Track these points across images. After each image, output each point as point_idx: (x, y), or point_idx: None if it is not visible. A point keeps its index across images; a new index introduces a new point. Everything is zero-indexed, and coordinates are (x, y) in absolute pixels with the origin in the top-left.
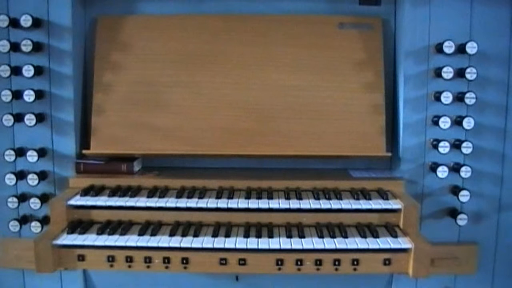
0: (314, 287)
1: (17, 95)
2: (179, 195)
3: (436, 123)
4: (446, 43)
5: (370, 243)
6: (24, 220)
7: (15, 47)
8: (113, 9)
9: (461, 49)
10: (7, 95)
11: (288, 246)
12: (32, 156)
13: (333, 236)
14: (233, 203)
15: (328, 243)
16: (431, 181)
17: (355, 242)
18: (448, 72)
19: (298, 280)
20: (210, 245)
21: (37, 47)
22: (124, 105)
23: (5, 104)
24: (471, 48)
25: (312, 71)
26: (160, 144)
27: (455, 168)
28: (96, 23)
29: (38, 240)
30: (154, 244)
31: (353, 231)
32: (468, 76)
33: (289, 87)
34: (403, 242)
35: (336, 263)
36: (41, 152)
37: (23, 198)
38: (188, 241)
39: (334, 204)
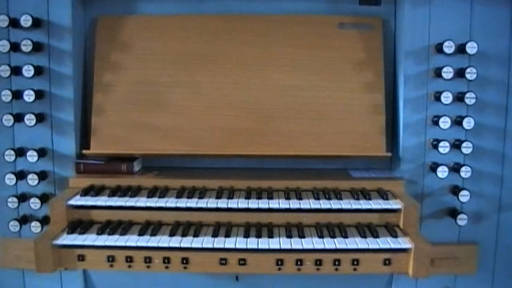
0: (314, 287)
1: (17, 95)
2: (179, 195)
3: (436, 123)
4: (446, 43)
5: (370, 243)
6: (24, 220)
7: (15, 47)
8: (113, 9)
9: (461, 49)
10: (7, 95)
11: (288, 246)
12: (32, 156)
13: (333, 236)
14: (233, 203)
15: (328, 243)
16: (431, 181)
17: (355, 242)
18: (448, 72)
19: (298, 280)
20: (210, 245)
21: (37, 47)
22: (124, 105)
23: (5, 104)
24: (471, 48)
25: (312, 71)
26: (160, 144)
27: (455, 168)
28: (96, 23)
29: (38, 240)
30: (154, 244)
31: (353, 231)
32: (468, 76)
33: (289, 87)
34: (403, 242)
35: (336, 263)
36: (41, 152)
37: (23, 198)
38: (188, 241)
39: (334, 204)
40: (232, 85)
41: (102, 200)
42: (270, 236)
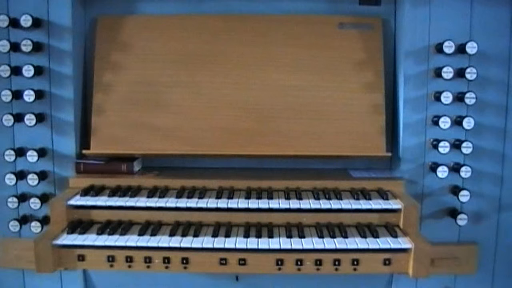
0: (314, 287)
1: (17, 95)
2: (179, 195)
3: (436, 123)
4: (446, 43)
5: (370, 243)
6: (24, 220)
7: (15, 47)
8: (113, 9)
9: (461, 49)
10: (7, 95)
11: (288, 246)
12: (32, 156)
13: (333, 236)
14: (233, 203)
15: (328, 243)
16: (431, 181)
17: (355, 242)
18: (448, 72)
19: (298, 280)
20: (210, 245)
21: (37, 47)
22: (124, 105)
23: (5, 104)
24: (471, 48)
25: (312, 71)
26: (160, 144)
27: (455, 168)
28: (96, 23)
29: (38, 240)
30: (154, 244)
31: (353, 231)
32: (468, 76)
33: (289, 87)
34: (403, 242)
35: (336, 263)
36: (41, 152)
37: (23, 198)
38: (188, 241)
39: (334, 204)
40: (232, 85)
41: (102, 200)
42: (270, 236)
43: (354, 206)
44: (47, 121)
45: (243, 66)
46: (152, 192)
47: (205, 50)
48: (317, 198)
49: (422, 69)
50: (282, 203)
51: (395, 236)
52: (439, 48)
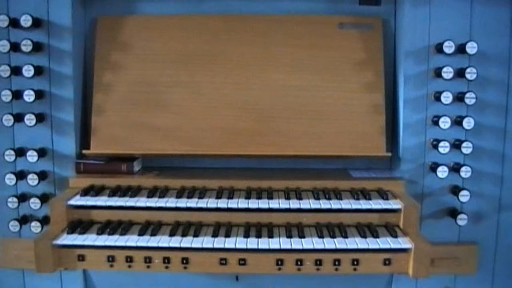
0: (314, 287)
1: (17, 95)
2: (179, 195)
3: (436, 123)
4: (446, 43)
5: (370, 243)
6: (24, 220)
7: (15, 47)
8: (113, 9)
9: (461, 49)
10: (7, 95)
11: (288, 246)
12: (32, 156)
13: (333, 236)
14: (233, 203)
15: (328, 243)
16: (431, 181)
17: (355, 242)
18: (448, 72)
19: (298, 280)
20: (210, 245)
21: (37, 47)
22: (124, 105)
23: (5, 104)
24: (471, 48)
25: (312, 71)
26: (160, 144)
27: (455, 168)
28: (96, 23)
29: (38, 240)
30: (154, 244)
31: (353, 231)
32: (468, 76)
33: (289, 87)
34: (403, 242)
35: (336, 263)
36: (41, 152)
37: (23, 198)
38: (188, 241)
39: (334, 204)
40: (232, 85)
41: (102, 200)
42: (270, 236)
43: (354, 206)
44: (47, 121)
45: (243, 66)
46: (152, 192)
47: (205, 50)
48: (317, 198)
49: (422, 69)
50: (282, 203)
51: (395, 236)
52: (439, 48)
